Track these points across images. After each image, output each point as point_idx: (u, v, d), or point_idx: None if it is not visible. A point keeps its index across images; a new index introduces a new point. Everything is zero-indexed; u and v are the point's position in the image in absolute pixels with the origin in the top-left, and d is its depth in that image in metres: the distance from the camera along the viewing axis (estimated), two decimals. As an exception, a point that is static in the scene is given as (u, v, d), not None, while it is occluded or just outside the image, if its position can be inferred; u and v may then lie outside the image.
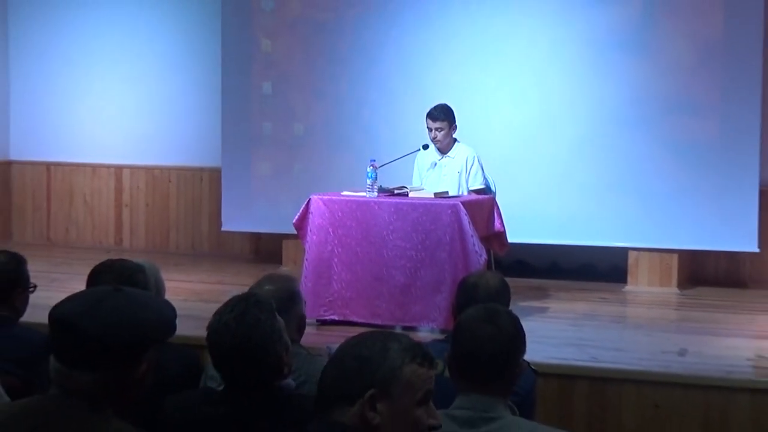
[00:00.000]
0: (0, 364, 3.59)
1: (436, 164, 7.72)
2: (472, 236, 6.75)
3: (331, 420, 2.36)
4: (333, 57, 9.28)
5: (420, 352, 2.43)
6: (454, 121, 7.67)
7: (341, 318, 6.88)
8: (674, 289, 8.53)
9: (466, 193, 7.50)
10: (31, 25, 10.74)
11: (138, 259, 4.05)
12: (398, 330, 6.45)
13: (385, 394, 2.35)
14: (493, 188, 7.76)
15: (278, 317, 3.19)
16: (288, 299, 3.57)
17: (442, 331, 6.20)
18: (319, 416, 2.40)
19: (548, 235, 8.73)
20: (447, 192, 7.30)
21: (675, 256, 8.60)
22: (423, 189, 7.39)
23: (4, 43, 10.79)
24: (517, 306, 4.24)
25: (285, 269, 8.77)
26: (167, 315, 2.47)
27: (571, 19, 8.70)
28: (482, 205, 7.24)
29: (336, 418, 2.36)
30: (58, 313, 2.35)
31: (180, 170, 10.37)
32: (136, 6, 10.35)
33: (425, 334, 6.48)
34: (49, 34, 10.68)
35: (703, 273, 8.87)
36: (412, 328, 6.65)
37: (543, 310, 7.65)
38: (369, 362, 2.37)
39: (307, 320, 6.29)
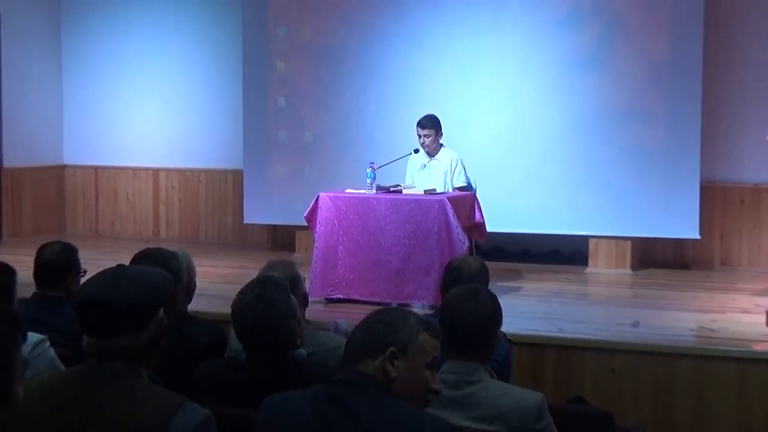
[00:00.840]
0: (55, 338, 3.59)
1: (425, 166, 7.71)
2: (456, 226, 6.76)
3: (356, 370, 2.44)
4: (337, 75, 9.27)
5: (431, 326, 2.56)
6: (440, 129, 7.67)
7: (345, 297, 6.88)
8: (628, 271, 8.54)
9: (451, 190, 7.49)
10: (81, 47, 10.74)
11: (173, 247, 4.04)
12: (394, 306, 6.43)
13: (403, 353, 2.45)
14: (474, 185, 7.75)
15: (292, 296, 3.19)
16: (292, 282, 3.56)
17: (431, 308, 6.19)
18: (345, 367, 2.48)
19: (521, 225, 8.73)
20: (435, 189, 7.30)
21: (629, 243, 8.61)
22: (414, 187, 7.40)
23: (57, 63, 10.78)
24: (494, 286, 4.25)
25: (296, 256, 8.77)
26: (167, 278, 2.54)
27: (539, 42, 8.70)
28: (465, 200, 7.24)
29: (361, 369, 2.44)
30: (85, 296, 2.40)
31: (208, 172, 10.37)
32: (172, 33, 10.34)
33: (417, 310, 6.42)
34: (96, 54, 10.68)
35: (652, 256, 8.88)
36: (406, 305, 6.62)
37: (517, 289, 7.66)
38: (392, 326, 2.48)
39: (316, 299, 6.37)
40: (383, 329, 2.46)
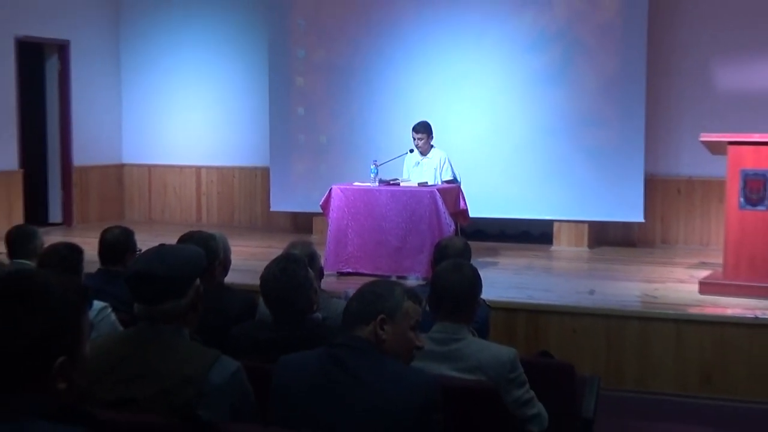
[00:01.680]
0: (116, 305, 3.59)
1: (419, 163, 7.70)
2: (444, 213, 6.76)
3: (353, 334, 2.43)
4: (346, 89, 9.26)
5: (414, 294, 2.53)
6: (431, 133, 7.66)
7: (354, 270, 6.89)
8: (585, 249, 8.54)
9: (440, 183, 7.49)
10: (136, 66, 10.71)
11: (212, 231, 4.04)
12: (393, 279, 6.44)
13: (391, 319, 2.43)
14: (458, 179, 7.74)
15: (309, 270, 3.18)
16: (310, 259, 3.56)
17: (424, 279, 6.21)
18: (344, 332, 2.47)
19: (498, 211, 8.73)
20: (426, 182, 7.30)
21: (586, 225, 8.61)
22: (409, 180, 7.40)
23: (117, 79, 10.76)
24: (476, 261, 4.24)
25: (313, 237, 8.77)
26: (200, 254, 2.52)
27: (513, 60, 8.69)
28: (451, 191, 7.24)
29: (356, 333, 2.43)
30: (135, 271, 2.40)
31: (241, 169, 10.35)
32: (211, 54, 10.30)
33: (412, 281, 6.48)
34: (149, 71, 10.65)
35: (605, 237, 8.88)
36: (404, 277, 6.66)
37: (494, 263, 7.66)
38: (381, 297, 2.46)
39: (328, 272, 6.38)
40: (374, 299, 2.44)
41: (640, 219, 8.47)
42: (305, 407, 2.36)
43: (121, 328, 3.39)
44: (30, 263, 4.23)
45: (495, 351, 2.92)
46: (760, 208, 6.06)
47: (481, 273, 3.15)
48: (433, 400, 2.34)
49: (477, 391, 2.78)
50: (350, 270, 6.90)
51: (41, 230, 4.83)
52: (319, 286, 3.61)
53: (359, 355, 2.38)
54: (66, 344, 1.53)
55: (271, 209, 9.77)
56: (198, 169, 10.58)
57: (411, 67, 8.98)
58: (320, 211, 7.36)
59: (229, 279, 4.04)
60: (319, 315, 3.32)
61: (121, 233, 4.32)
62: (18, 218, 9.10)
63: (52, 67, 10.12)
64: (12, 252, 4.48)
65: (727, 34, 8.46)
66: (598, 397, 3.60)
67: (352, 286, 5.59)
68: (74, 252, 3.86)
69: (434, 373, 2.79)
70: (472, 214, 7.53)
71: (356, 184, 7.19)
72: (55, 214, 10.22)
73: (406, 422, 2.29)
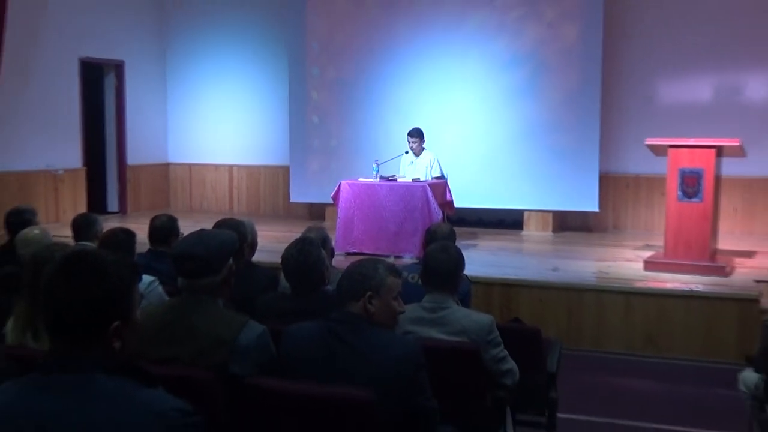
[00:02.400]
0: (162, 279, 3.58)
1: (413, 162, 7.68)
2: (433, 203, 6.76)
3: (345, 310, 2.40)
4: (353, 101, 9.23)
5: (395, 269, 2.49)
6: (423, 137, 7.63)
7: (359, 251, 6.87)
8: (550, 233, 8.54)
9: (430, 179, 7.47)
10: (180, 81, 10.68)
11: (242, 218, 4.03)
12: (392, 258, 6.45)
13: (377, 294, 2.39)
14: (445, 176, 7.71)
15: (322, 250, 3.17)
16: (323, 241, 3.54)
17: (417, 258, 6.19)
18: (338, 308, 2.43)
19: (477, 202, 8.71)
20: (419, 178, 7.28)
21: (551, 214, 8.60)
22: (405, 177, 7.38)
23: (163, 92, 10.73)
24: (459, 243, 4.23)
25: (326, 223, 8.77)
26: (233, 238, 2.51)
27: (491, 76, 8.65)
28: (439, 186, 7.23)
29: (348, 309, 2.39)
30: (179, 251, 2.40)
31: (266, 168, 10.33)
32: (240, 72, 10.28)
33: (407, 259, 6.49)
34: (191, 85, 10.62)
35: (566, 223, 8.87)
36: (400, 256, 6.66)
37: (475, 245, 7.65)
38: (367, 276, 2.41)
39: (338, 252, 6.37)
40: (361, 279, 2.40)
41: (595, 209, 8.46)
42: (308, 374, 2.34)
43: (167, 299, 3.38)
44: (91, 245, 4.23)
45: (476, 317, 2.91)
46: (694, 200, 6.05)
47: (464, 253, 3.15)
48: (418, 362, 2.33)
49: (461, 351, 2.78)
50: (356, 250, 6.89)
51: (101, 217, 4.82)
52: (331, 264, 3.61)
53: (353, 328, 2.35)
54: (120, 310, 1.53)
55: (291, 200, 9.76)
56: (230, 168, 10.56)
57: (406, 83, 8.95)
58: (331, 202, 7.35)
59: (255, 258, 4.03)
60: (330, 288, 3.31)
61: (167, 220, 4.30)
62: (82, 207, 9.14)
63: (109, 82, 10.11)
64: (77, 235, 4.48)
65: (667, 56, 8.47)
66: (561, 356, 3.61)
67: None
68: (128, 235, 3.85)
69: (425, 335, 2.79)
70: (456, 204, 7.52)
71: (361, 179, 7.18)
72: (113, 204, 10.23)
73: (397, 382, 2.28)
